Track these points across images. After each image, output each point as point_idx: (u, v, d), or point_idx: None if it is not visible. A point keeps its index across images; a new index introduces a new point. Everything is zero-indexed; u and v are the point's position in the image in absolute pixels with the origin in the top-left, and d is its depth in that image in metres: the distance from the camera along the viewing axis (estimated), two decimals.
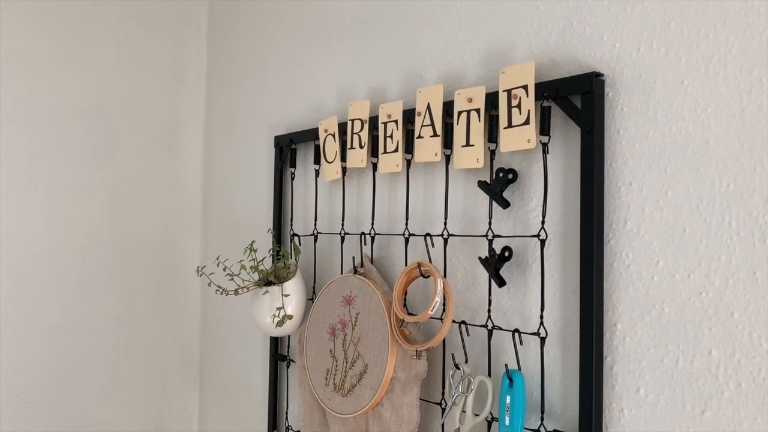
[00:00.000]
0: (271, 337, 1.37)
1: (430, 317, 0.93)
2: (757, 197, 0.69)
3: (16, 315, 1.43)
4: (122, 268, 1.59)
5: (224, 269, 1.23)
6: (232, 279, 1.23)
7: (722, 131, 0.72)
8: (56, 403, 1.49)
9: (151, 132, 1.64)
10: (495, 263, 0.90)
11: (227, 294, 1.20)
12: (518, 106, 0.86)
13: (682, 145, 0.76)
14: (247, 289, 1.21)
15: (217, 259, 1.29)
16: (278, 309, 1.17)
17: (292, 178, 1.34)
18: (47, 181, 1.47)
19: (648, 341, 0.78)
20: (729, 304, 0.71)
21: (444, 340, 0.98)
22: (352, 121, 1.12)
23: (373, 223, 1.12)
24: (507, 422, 0.84)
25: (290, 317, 1.17)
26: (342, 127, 1.16)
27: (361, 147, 1.11)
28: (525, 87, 0.85)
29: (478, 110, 0.92)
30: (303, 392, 1.19)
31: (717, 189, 0.73)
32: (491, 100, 0.91)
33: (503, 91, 0.88)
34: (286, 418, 1.35)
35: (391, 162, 1.06)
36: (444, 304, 0.95)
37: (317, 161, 1.24)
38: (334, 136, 1.17)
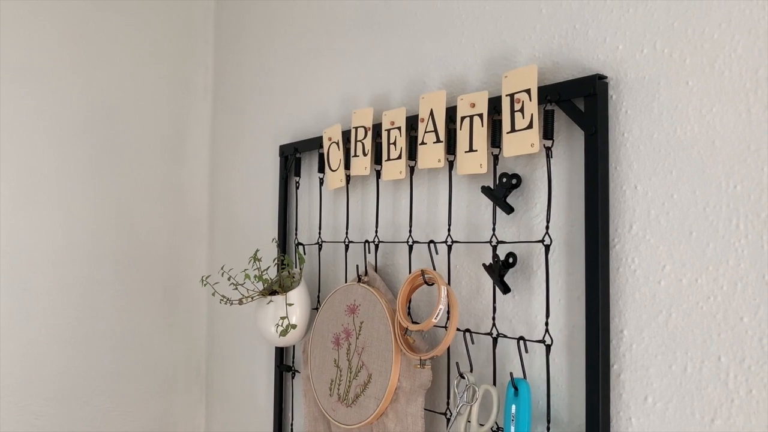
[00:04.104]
0: (277, 348, 1.36)
1: (435, 325, 0.92)
2: (765, 198, 0.68)
3: (22, 325, 1.43)
4: (128, 278, 1.58)
5: (228, 279, 1.22)
6: (236, 288, 1.22)
7: (728, 132, 0.71)
8: (61, 414, 1.48)
9: (158, 142, 1.65)
10: (499, 270, 0.89)
11: (231, 303, 1.19)
12: (521, 110, 0.85)
13: (687, 146, 0.74)
14: (252, 298, 1.20)
15: (222, 268, 1.29)
16: (282, 318, 1.16)
17: (297, 187, 1.34)
18: (53, 191, 1.48)
19: (655, 348, 0.76)
20: (738, 308, 0.69)
21: (448, 349, 0.96)
22: (356, 128, 1.12)
23: (377, 231, 1.11)
24: None
25: (294, 326, 1.16)
26: (346, 135, 1.16)
27: (365, 154, 1.10)
28: (528, 91, 0.84)
29: (480, 115, 0.91)
30: (308, 403, 1.18)
31: (724, 191, 0.71)
32: (494, 104, 0.90)
33: (506, 95, 0.87)
34: (292, 429, 1.33)
35: (394, 169, 1.05)
36: (448, 312, 0.93)
37: (321, 170, 1.24)
38: (338, 144, 1.17)
